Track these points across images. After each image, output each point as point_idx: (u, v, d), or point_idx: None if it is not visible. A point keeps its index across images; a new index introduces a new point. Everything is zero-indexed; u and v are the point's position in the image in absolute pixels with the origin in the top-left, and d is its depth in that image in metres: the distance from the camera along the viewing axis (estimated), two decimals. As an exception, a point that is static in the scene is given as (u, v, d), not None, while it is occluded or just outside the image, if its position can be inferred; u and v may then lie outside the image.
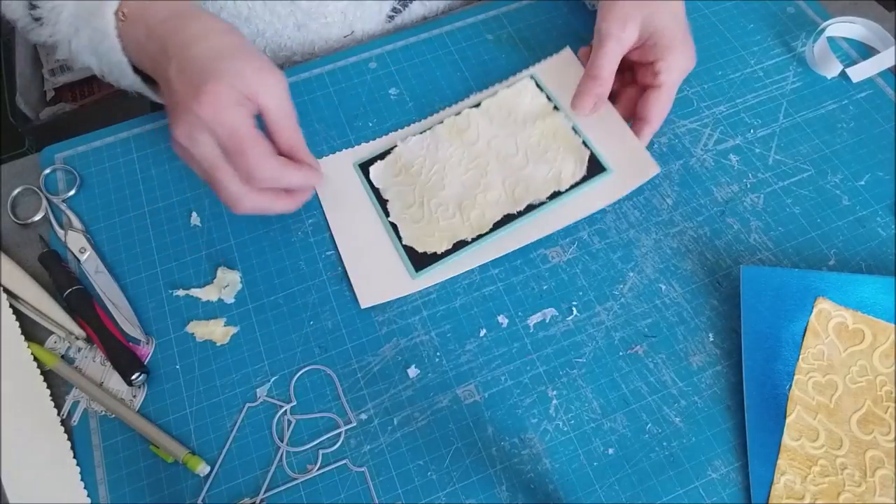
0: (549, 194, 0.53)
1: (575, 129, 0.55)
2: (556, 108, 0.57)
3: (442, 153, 0.56)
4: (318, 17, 0.62)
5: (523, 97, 0.57)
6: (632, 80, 0.56)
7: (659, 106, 0.53)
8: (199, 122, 0.43)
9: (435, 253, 0.52)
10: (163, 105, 0.60)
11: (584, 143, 0.55)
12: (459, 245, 0.52)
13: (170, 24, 0.47)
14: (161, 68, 0.46)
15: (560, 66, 0.59)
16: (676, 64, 0.52)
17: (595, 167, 0.54)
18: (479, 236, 0.52)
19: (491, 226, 0.52)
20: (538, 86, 0.58)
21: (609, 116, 0.55)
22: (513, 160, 0.55)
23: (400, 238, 0.52)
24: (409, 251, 0.52)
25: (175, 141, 0.45)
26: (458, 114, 0.57)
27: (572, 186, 0.53)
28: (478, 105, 0.58)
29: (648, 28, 0.52)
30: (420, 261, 0.51)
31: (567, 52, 0.59)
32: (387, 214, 0.53)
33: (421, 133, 0.57)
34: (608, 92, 0.54)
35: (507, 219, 0.52)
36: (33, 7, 0.51)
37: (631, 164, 0.53)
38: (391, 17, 0.65)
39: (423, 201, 0.54)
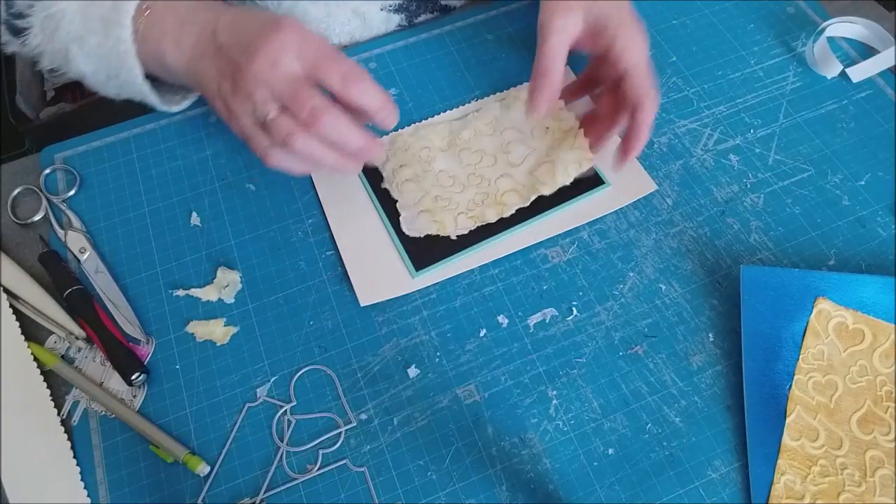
0: (550, 192, 0.53)
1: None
2: (556, 107, 0.57)
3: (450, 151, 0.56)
4: (325, 38, 0.62)
5: (523, 99, 0.57)
6: (610, 101, 0.53)
7: (637, 90, 0.49)
8: (286, 46, 0.44)
9: (439, 237, 0.52)
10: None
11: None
12: (461, 245, 0.52)
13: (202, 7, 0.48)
14: (207, 33, 0.47)
15: None
16: (635, 40, 0.49)
17: (595, 179, 0.55)
18: (481, 238, 0.52)
19: (507, 212, 0.53)
20: None
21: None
22: (516, 160, 0.55)
23: (400, 231, 0.53)
24: (410, 242, 0.52)
25: (253, 70, 0.44)
26: (458, 119, 0.58)
27: (573, 196, 0.54)
28: (477, 110, 0.58)
29: (592, 13, 0.50)
30: (420, 260, 0.51)
31: (566, 70, 0.60)
32: (394, 207, 0.54)
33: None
34: (559, 89, 0.51)
35: (507, 223, 0.53)
36: (19, 17, 0.50)
37: (630, 179, 0.55)
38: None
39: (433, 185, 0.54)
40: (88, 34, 0.49)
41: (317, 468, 0.45)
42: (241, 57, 0.45)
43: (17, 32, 0.51)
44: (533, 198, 0.53)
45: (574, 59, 0.54)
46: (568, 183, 0.53)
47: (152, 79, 0.52)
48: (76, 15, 0.49)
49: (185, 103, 0.58)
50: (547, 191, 0.53)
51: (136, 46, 0.49)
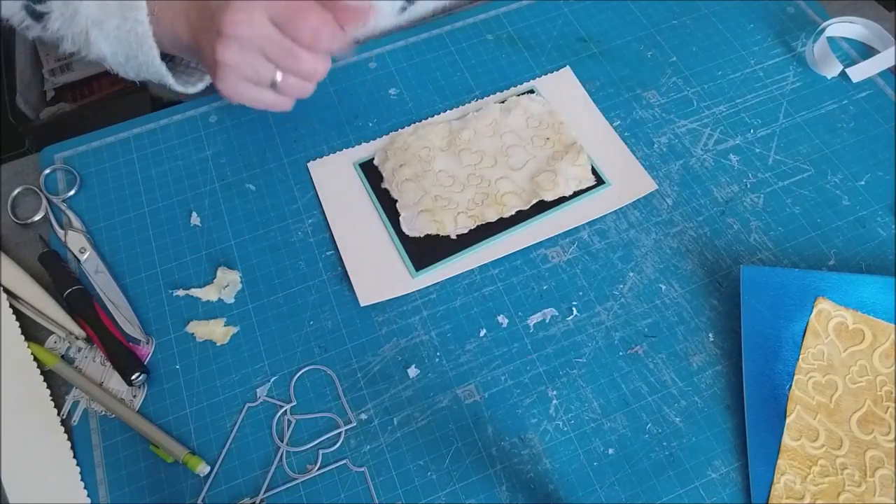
0: (552, 199, 0.54)
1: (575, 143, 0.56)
2: (557, 121, 0.58)
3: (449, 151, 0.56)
4: None
5: (524, 107, 0.58)
6: None
7: None
8: (254, 3, 0.45)
9: (439, 237, 0.52)
10: (165, 104, 0.60)
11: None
12: (461, 245, 0.52)
13: None
14: (205, 3, 0.48)
15: (559, 82, 0.60)
16: None
17: (595, 179, 0.55)
18: (481, 238, 0.52)
19: (507, 213, 0.53)
20: (539, 97, 0.59)
21: (608, 135, 0.57)
22: (516, 164, 0.55)
23: (400, 231, 0.53)
24: (410, 242, 0.52)
25: (230, 37, 0.46)
26: (459, 118, 0.58)
27: (574, 195, 0.54)
28: (478, 110, 0.58)
29: None
30: (420, 260, 0.51)
31: (566, 71, 0.61)
32: (394, 207, 0.54)
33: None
34: None
35: (507, 223, 0.53)
36: (39, 1, 0.51)
37: (629, 179, 0.55)
38: (403, 9, 0.65)
39: (433, 184, 0.55)
40: (107, 17, 0.50)
41: (317, 468, 0.45)
42: (219, 18, 0.46)
43: (38, 17, 0.52)
44: (534, 202, 0.53)
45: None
46: (568, 194, 0.54)
47: (171, 60, 0.53)
48: None
49: (201, 85, 0.58)
50: (549, 197, 0.53)
51: (152, 28, 0.49)
